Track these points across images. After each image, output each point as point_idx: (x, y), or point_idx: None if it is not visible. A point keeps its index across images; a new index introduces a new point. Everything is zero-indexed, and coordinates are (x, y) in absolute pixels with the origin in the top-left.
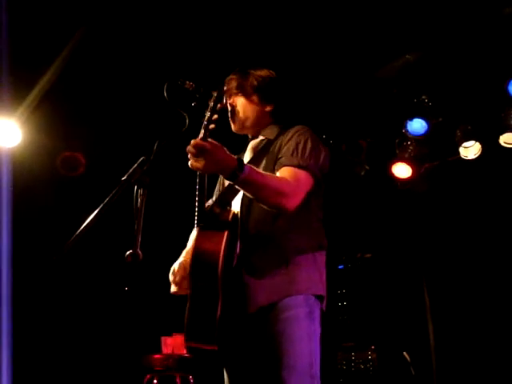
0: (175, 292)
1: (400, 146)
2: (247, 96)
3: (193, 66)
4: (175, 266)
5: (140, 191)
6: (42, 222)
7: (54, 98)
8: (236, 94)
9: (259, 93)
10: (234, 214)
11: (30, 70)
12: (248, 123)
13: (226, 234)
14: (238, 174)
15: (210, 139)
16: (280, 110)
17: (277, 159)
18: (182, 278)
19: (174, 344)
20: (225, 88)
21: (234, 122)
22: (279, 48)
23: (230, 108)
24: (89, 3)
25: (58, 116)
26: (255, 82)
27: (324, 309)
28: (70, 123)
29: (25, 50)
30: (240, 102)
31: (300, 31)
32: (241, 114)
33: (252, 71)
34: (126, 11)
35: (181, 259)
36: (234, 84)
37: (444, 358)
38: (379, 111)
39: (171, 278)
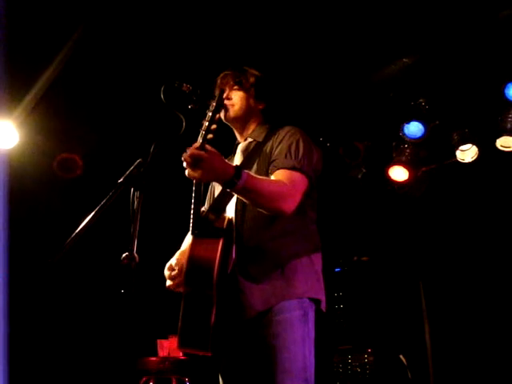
0: (169, 286)
1: (397, 149)
2: (246, 91)
3: (190, 69)
4: (171, 261)
5: (136, 194)
6: (38, 224)
7: (51, 99)
8: (233, 88)
9: (256, 89)
10: (229, 220)
11: (27, 72)
12: (241, 115)
13: (221, 241)
14: (235, 182)
15: (207, 146)
16: (271, 109)
17: (269, 162)
18: (178, 275)
19: (170, 347)
20: (219, 81)
21: (227, 113)
22: (277, 51)
23: (224, 101)
24: (86, 5)
25: (55, 118)
26: (253, 79)
27: (324, 310)
28: (67, 125)
29: (22, 51)
30: (238, 96)
31: (297, 34)
32: (237, 107)
33: (247, 68)
34: (124, 13)
35: (177, 256)
36: (231, 79)
37: (441, 361)
38: (376, 114)
39: (167, 273)
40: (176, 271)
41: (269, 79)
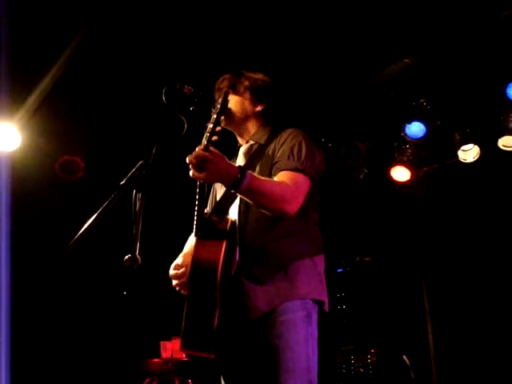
0: (175, 286)
1: (399, 150)
2: (239, 94)
3: (191, 71)
4: (177, 261)
5: (138, 195)
6: (41, 226)
7: (53, 101)
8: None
9: (251, 92)
10: (232, 222)
11: (29, 74)
12: (237, 119)
13: (224, 243)
14: (239, 183)
15: (211, 148)
16: (270, 111)
17: (272, 164)
18: (184, 274)
19: (173, 348)
20: (217, 87)
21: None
22: (278, 53)
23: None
24: (88, 8)
25: (57, 120)
26: (247, 82)
27: (327, 310)
28: (69, 127)
29: (24, 53)
30: (232, 100)
31: (298, 35)
32: (231, 111)
33: (245, 72)
34: (126, 16)
35: (182, 255)
36: (226, 83)
37: (443, 362)
38: (378, 115)
39: (172, 272)
40: (182, 270)
41: (268, 81)
